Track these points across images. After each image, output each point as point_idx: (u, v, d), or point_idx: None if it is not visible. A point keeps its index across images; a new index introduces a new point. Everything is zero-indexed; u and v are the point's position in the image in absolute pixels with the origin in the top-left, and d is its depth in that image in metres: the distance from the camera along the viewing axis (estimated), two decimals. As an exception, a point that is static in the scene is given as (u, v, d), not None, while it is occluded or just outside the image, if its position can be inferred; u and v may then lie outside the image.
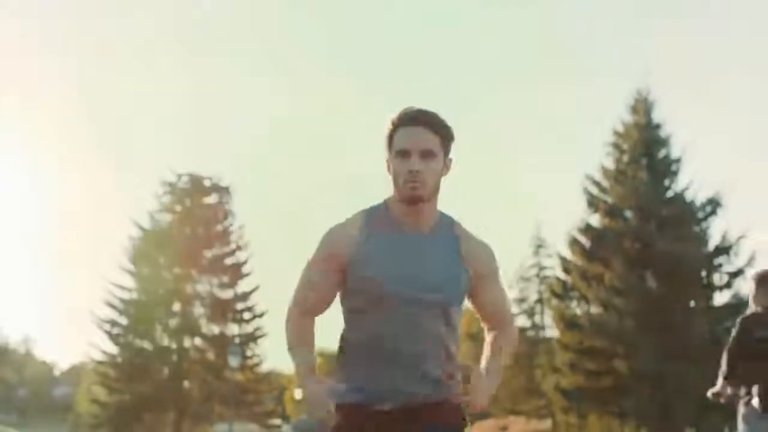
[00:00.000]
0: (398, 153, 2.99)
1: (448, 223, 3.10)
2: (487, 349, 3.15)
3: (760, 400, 5.89)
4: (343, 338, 3.10)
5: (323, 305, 3.08)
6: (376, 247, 3.02)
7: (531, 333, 41.48)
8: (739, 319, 6.11)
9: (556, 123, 76.57)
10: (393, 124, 3.03)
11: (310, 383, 2.96)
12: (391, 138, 3.03)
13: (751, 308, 6.13)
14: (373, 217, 3.07)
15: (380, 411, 3.00)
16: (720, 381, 6.12)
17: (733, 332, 6.09)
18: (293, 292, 3.12)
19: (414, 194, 2.96)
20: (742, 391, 5.97)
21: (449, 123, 3.06)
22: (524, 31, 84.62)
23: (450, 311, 3.03)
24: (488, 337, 3.20)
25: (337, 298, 3.11)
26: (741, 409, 5.98)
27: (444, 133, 3.02)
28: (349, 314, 3.07)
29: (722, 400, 6.22)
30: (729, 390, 6.06)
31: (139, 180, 78.85)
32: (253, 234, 43.11)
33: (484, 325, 3.24)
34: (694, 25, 76.43)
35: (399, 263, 2.99)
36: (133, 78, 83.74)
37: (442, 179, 3.07)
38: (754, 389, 5.94)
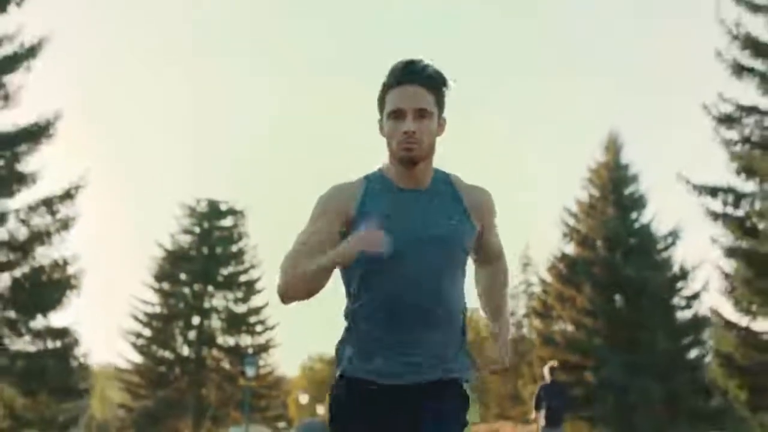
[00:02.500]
0: (391, 113, 3.02)
1: (444, 178, 3.16)
2: (490, 290, 3.37)
3: (545, 420, 12.50)
4: (348, 309, 3.14)
5: (321, 248, 2.98)
6: (374, 204, 3.06)
7: (519, 345, 47.48)
8: (538, 387, 12.87)
9: (554, 130, 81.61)
10: (385, 83, 3.07)
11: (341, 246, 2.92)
12: (383, 97, 3.08)
13: (545, 380, 12.86)
14: (372, 179, 3.13)
15: (388, 386, 3.03)
16: (534, 412, 12.76)
17: (536, 391, 12.77)
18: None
19: (409, 155, 3.01)
20: (541, 415, 12.75)
21: (443, 74, 3.08)
22: (524, 32, 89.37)
23: (455, 265, 3.08)
24: (483, 272, 3.40)
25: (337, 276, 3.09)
26: (539, 425, 12.76)
27: (439, 90, 3.06)
28: (352, 279, 3.10)
29: (536, 423, 12.94)
30: (537, 416, 12.75)
31: (142, 183, 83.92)
32: (265, 253, 48.05)
33: (475, 261, 3.38)
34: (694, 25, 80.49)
35: (398, 217, 3.02)
36: (135, 82, 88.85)
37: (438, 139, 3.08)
38: (542, 413, 12.53)
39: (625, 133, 41.89)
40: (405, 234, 3.00)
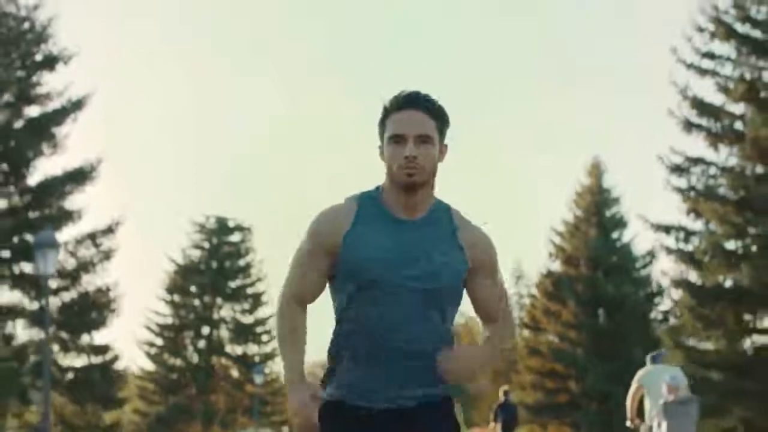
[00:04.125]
0: (392, 138, 3.05)
1: (444, 210, 3.15)
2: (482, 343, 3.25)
3: (501, 428, 17.19)
4: (334, 333, 3.16)
5: (314, 294, 3.14)
6: (367, 232, 3.07)
7: (510, 355, 51.78)
8: (496, 404, 17.49)
9: (550, 138, 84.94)
10: (386, 108, 3.11)
11: (296, 391, 3.01)
12: (384, 122, 3.11)
13: (500, 399, 17.42)
14: (365, 202, 3.13)
15: (368, 411, 3.07)
16: (492, 422, 17.30)
17: (495, 407, 17.38)
18: (285, 280, 3.18)
19: (410, 181, 3.02)
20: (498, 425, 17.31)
21: (445, 107, 3.13)
22: (523, 39, 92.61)
23: (447, 302, 3.09)
24: (483, 334, 3.28)
25: (328, 292, 3.18)
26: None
27: (440, 118, 3.10)
28: (340, 304, 3.12)
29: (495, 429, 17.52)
30: (495, 426, 17.28)
31: (154, 199, 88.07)
32: (271, 266, 51.90)
33: (478, 318, 3.28)
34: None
35: (393, 249, 3.04)
36: (139, 84, 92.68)
37: (438, 166, 3.11)
38: (499, 424, 17.14)
39: (622, 135, 45.24)
40: (393, 268, 3.02)
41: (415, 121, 3.05)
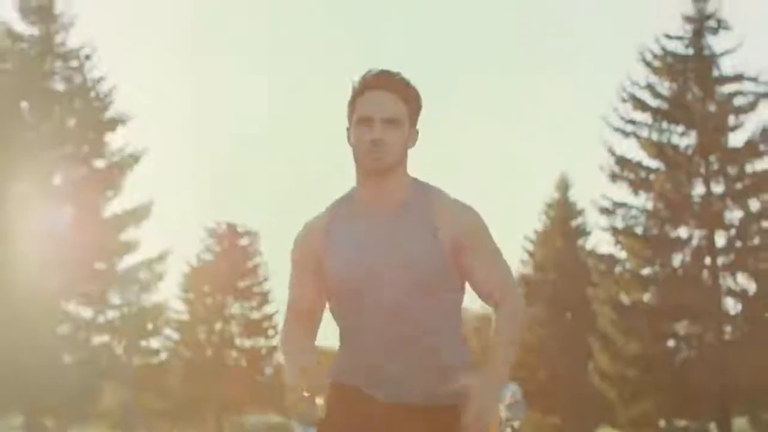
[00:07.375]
0: (359, 120, 3.11)
1: (421, 193, 3.20)
2: (491, 342, 3.30)
3: None
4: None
5: (314, 313, 3.30)
6: (337, 238, 3.19)
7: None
8: None
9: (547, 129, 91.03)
10: (354, 88, 3.16)
11: (303, 359, 3.11)
12: (353, 104, 3.16)
13: None
14: (338, 205, 3.25)
15: (380, 402, 3.19)
16: None
17: None
18: (287, 301, 3.34)
19: (376, 165, 3.10)
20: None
21: (417, 88, 3.17)
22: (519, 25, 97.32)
23: (433, 288, 3.14)
24: (492, 321, 3.30)
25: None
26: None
27: (410, 100, 3.15)
28: (332, 315, 3.30)
29: None
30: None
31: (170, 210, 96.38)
32: (275, 268, 59.11)
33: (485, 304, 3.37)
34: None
35: (361, 249, 3.15)
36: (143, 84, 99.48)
37: (409, 151, 3.18)
38: None
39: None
40: (365, 265, 3.13)
41: (384, 103, 3.11)
